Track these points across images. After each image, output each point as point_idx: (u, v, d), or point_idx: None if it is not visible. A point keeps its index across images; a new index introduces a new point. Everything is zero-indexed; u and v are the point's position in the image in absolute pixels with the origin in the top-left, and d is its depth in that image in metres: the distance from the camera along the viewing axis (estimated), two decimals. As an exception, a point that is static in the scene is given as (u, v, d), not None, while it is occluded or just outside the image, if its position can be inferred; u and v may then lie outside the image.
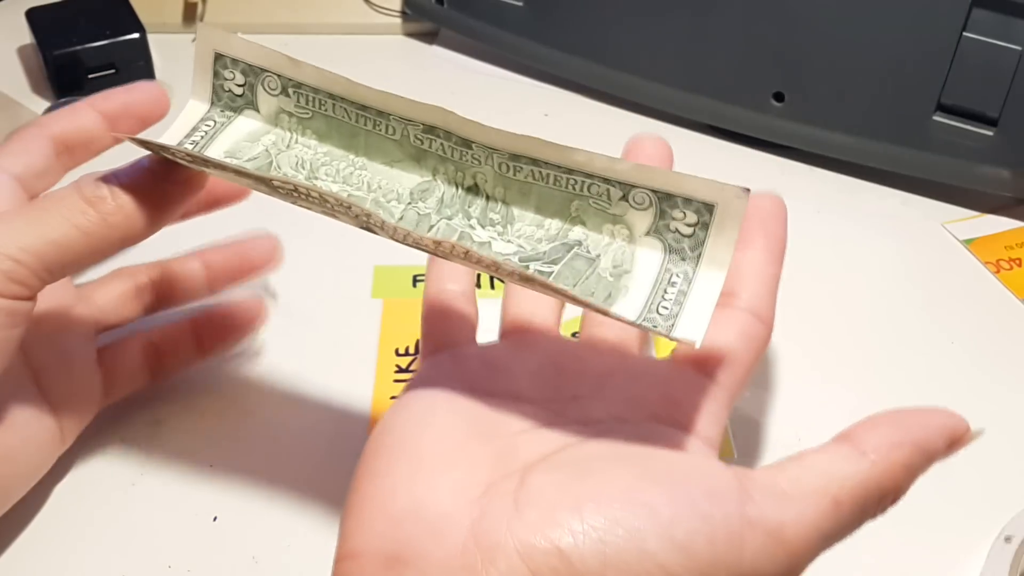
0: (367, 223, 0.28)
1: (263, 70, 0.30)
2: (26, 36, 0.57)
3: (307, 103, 0.30)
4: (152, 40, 0.56)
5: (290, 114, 0.30)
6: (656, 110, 0.56)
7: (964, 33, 0.46)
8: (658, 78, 0.54)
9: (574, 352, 0.33)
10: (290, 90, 0.30)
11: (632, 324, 0.27)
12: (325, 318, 0.44)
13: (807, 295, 0.46)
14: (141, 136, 0.29)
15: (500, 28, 0.57)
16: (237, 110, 0.30)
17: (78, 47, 0.54)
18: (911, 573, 0.35)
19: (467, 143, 0.28)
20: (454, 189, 0.29)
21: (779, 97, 0.52)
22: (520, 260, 0.28)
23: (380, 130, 0.29)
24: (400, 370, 0.42)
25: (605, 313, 0.27)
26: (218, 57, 0.30)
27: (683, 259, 0.28)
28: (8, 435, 0.33)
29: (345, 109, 0.29)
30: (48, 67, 0.55)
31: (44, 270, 0.29)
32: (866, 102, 0.50)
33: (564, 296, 0.27)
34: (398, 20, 0.62)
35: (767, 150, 0.54)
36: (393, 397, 0.40)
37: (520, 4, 0.56)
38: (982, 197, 0.50)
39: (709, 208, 0.27)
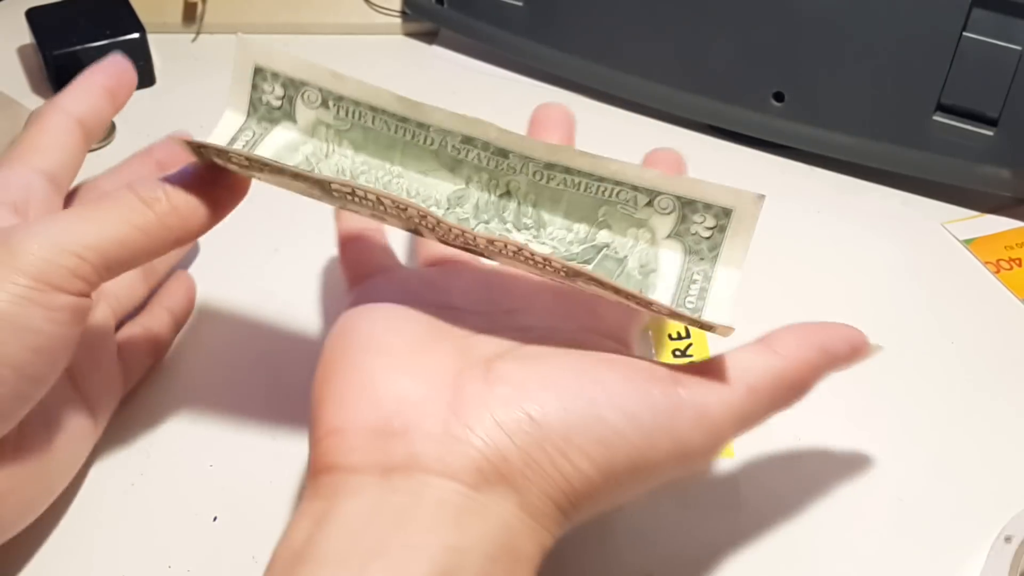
0: (418, 224, 0.29)
1: (304, 83, 0.30)
2: (26, 36, 0.57)
3: (347, 115, 0.30)
4: (152, 40, 0.56)
5: (328, 125, 0.31)
6: (656, 110, 0.56)
7: (964, 33, 0.46)
8: (658, 78, 0.54)
9: (500, 275, 0.35)
10: (330, 103, 0.30)
11: (671, 311, 0.29)
12: (325, 318, 0.44)
13: (807, 295, 0.46)
14: (198, 139, 0.30)
15: (500, 28, 0.57)
16: (274, 121, 0.31)
17: (78, 47, 0.54)
18: (911, 573, 0.35)
19: (504, 153, 0.30)
20: (487, 195, 0.31)
21: (779, 97, 0.52)
22: None
23: (418, 140, 0.30)
24: (400, 370, 0.42)
25: (649, 303, 0.29)
26: (258, 70, 0.30)
27: (702, 259, 0.30)
28: (51, 433, 0.33)
29: (385, 121, 0.30)
30: (48, 67, 0.55)
31: (104, 267, 0.29)
32: (866, 102, 0.50)
33: (610, 287, 0.29)
34: (398, 20, 0.62)
35: (767, 150, 0.54)
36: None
37: (520, 4, 0.56)
38: (982, 197, 0.50)
39: (727, 212, 0.29)
